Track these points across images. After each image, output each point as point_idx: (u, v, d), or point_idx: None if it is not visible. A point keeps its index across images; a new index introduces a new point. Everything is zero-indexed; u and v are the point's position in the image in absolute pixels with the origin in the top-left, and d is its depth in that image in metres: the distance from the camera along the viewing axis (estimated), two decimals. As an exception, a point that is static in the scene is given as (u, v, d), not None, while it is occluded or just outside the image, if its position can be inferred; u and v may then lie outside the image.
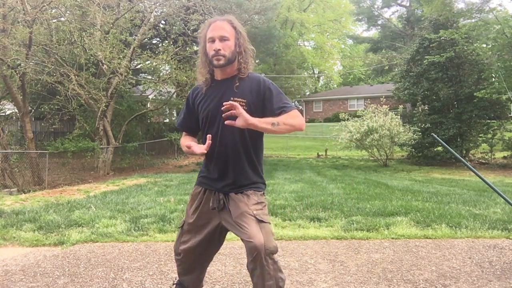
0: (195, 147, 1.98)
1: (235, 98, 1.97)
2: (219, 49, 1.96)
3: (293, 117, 1.95)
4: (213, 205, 2.05)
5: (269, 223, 1.99)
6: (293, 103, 2.12)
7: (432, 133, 3.67)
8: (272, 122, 1.90)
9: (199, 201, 2.12)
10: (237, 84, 2.02)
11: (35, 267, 3.00)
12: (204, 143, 2.00)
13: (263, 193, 2.11)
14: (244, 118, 1.83)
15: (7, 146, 11.49)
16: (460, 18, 16.92)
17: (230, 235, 3.73)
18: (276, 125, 1.90)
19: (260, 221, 1.92)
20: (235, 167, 2.04)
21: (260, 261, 1.84)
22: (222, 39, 1.98)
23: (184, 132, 2.23)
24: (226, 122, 1.88)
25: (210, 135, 1.96)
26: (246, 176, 2.06)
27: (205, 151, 1.92)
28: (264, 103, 2.01)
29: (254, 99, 2.01)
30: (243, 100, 1.99)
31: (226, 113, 1.85)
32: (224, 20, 2.02)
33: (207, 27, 2.03)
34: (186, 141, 2.10)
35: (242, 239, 1.92)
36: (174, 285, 2.39)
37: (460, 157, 3.38)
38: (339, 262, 3.02)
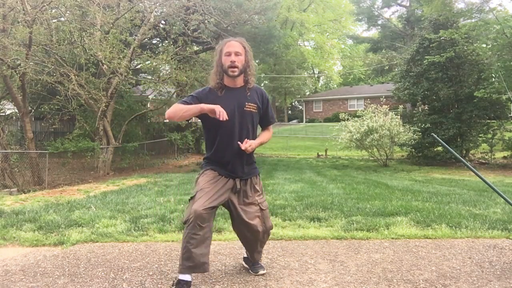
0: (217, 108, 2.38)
1: (249, 104, 2.56)
2: (235, 61, 2.48)
3: (270, 136, 2.71)
4: (236, 189, 2.56)
5: (267, 208, 2.68)
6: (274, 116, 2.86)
7: (432, 133, 3.67)
8: (261, 142, 2.64)
9: (215, 178, 2.52)
10: (249, 93, 2.58)
11: (35, 267, 3.00)
12: (209, 143, 2.60)
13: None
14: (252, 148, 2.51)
15: (7, 146, 11.46)
16: (460, 18, 16.90)
17: (230, 235, 3.75)
18: (262, 143, 2.66)
19: (262, 210, 2.62)
20: (247, 159, 2.59)
21: (261, 240, 2.68)
22: (237, 54, 2.50)
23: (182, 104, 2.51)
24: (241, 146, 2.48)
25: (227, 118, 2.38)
26: (252, 165, 2.67)
27: (227, 118, 2.36)
28: (262, 110, 2.65)
29: (260, 105, 2.62)
30: (255, 105, 2.58)
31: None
32: (237, 40, 2.58)
33: (224, 44, 2.55)
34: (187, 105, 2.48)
35: (245, 221, 2.56)
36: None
37: (460, 157, 3.38)
38: (339, 262, 3.02)
